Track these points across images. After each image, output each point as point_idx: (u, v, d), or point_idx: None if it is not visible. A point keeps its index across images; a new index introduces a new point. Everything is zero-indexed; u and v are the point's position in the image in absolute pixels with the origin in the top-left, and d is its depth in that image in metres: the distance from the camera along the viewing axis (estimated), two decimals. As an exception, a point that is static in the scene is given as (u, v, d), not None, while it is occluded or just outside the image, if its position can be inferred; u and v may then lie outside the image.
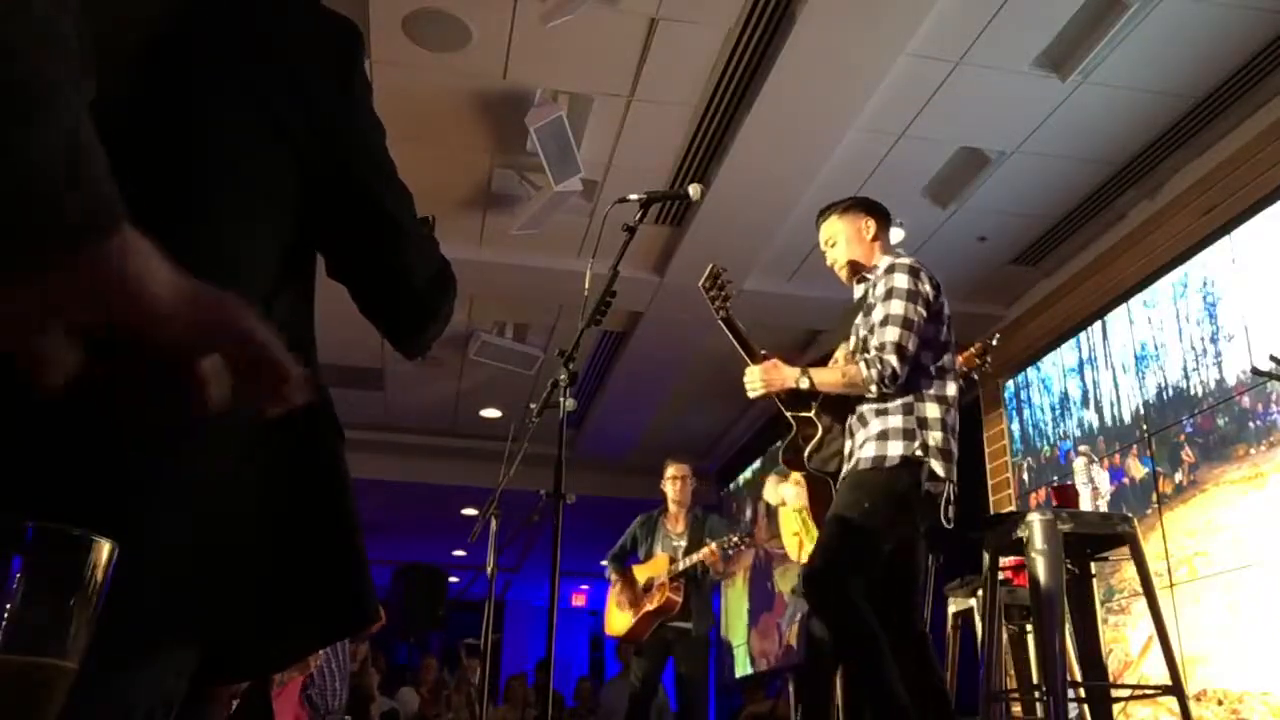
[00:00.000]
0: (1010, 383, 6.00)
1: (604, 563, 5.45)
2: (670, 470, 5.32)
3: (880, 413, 2.86)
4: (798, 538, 4.00)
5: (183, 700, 0.87)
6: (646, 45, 4.05)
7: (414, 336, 1.12)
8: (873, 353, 2.85)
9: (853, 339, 3.06)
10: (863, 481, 2.81)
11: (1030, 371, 5.85)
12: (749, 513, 8.61)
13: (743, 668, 8.72)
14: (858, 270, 3.11)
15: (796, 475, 4.05)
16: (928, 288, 2.93)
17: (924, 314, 2.88)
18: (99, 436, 0.74)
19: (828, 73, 4.06)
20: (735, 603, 9.02)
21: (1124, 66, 4.08)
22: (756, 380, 3.03)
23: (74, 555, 0.50)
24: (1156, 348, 4.86)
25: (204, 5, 0.93)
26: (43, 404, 0.56)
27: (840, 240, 3.13)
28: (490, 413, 8.22)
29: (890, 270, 2.95)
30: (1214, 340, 4.48)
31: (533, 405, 3.10)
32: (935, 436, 2.81)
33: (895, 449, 2.79)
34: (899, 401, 2.84)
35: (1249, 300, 4.29)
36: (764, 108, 4.27)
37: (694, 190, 2.97)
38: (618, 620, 5.23)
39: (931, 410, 2.85)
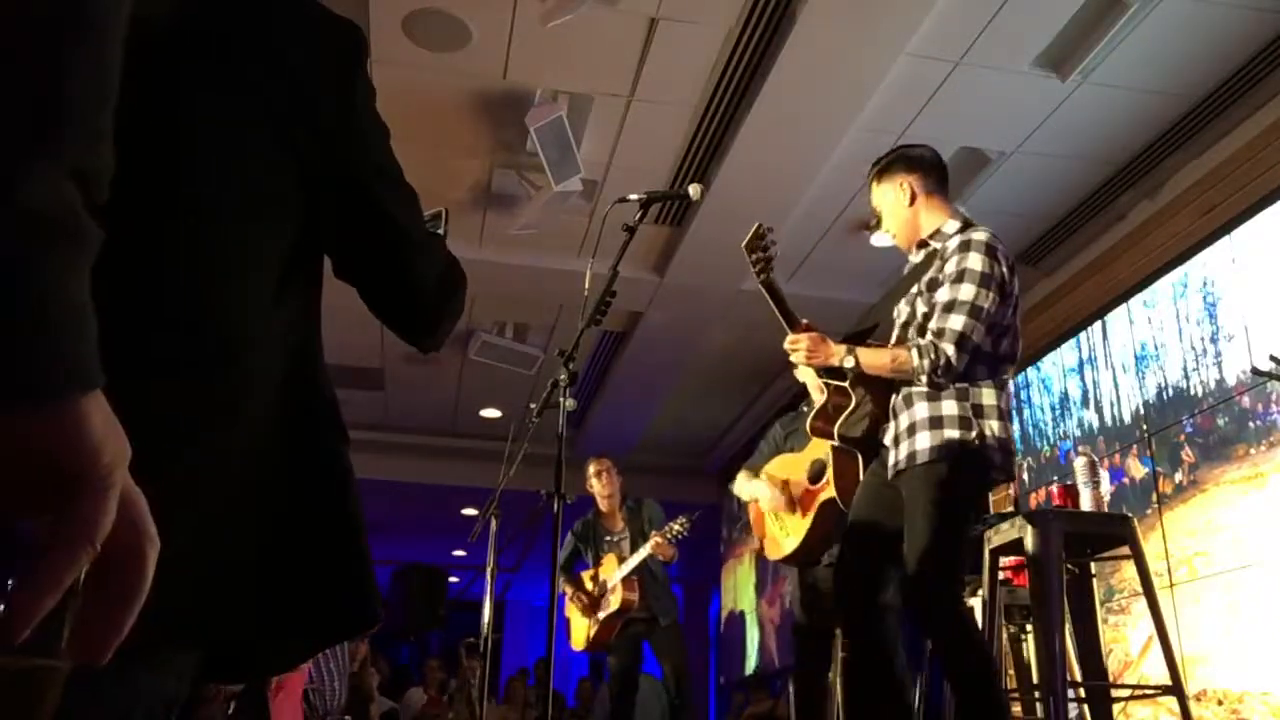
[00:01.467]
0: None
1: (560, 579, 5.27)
2: (591, 468, 5.20)
3: (931, 397, 2.61)
4: (771, 534, 3.95)
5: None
6: (646, 45, 4.05)
7: (423, 336, 1.13)
8: (928, 338, 2.59)
9: (905, 309, 2.77)
10: (934, 478, 2.54)
11: (1030, 371, 5.84)
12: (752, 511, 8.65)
13: (752, 636, 8.78)
14: (909, 240, 2.83)
15: (769, 471, 4.01)
16: (1004, 269, 2.64)
17: (997, 300, 2.60)
18: None
19: (828, 73, 4.06)
20: (744, 579, 9.26)
21: (1124, 66, 4.08)
22: (801, 350, 2.76)
23: (74, 556, 0.50)
24: (1156, 348, 4.85)
25: (205, 6, 0.93)
26: None
27: (884, 209, 2.87)
28: (490, 413, 8.22)
29: (965, 248, 2.66)
30: (1214, 340, 4.48)
31: (533, 405, 3.10)
32: (993, 425, 2.59)
33: (952, 437, 2.55)
34: (952, 386, 2.60)
35: (1249, 300, 4.29)
36: (764, 108, 4.27)
37: (694, 190, 2.97)
38: (580, 630, 5.10)
39: (988, 396, 2.62)
